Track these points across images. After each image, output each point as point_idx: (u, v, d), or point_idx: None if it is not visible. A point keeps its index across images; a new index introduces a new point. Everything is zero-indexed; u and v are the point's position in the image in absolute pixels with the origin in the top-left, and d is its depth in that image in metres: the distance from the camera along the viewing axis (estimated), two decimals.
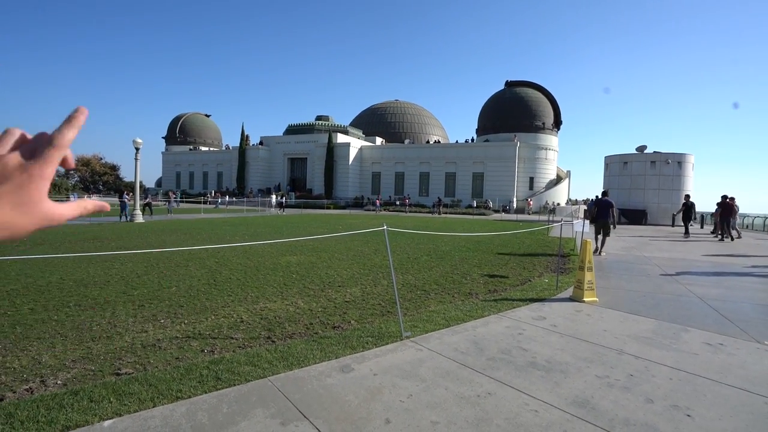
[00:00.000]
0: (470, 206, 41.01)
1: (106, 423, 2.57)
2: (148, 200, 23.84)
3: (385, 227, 4.57)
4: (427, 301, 5.72)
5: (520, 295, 6.16)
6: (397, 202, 42.28)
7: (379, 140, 55.08)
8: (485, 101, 49.90)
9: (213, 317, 4.75)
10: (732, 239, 16.22)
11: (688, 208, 17.95)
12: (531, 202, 38.98)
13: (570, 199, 36.65)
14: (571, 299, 5.90)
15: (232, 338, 4.09)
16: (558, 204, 40.06)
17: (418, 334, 4.32)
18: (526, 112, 45.02)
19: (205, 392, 2.96)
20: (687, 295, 6.35)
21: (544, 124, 45.32)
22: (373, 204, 40.29)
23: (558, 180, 46.07)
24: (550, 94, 47.26)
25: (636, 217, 25.88)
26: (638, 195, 26.63)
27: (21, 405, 2.75)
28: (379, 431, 2.52)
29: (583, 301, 5.73)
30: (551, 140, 45.96)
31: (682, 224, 18.30)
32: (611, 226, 10.99)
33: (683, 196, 19.86)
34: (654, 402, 2.99)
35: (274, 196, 37.68)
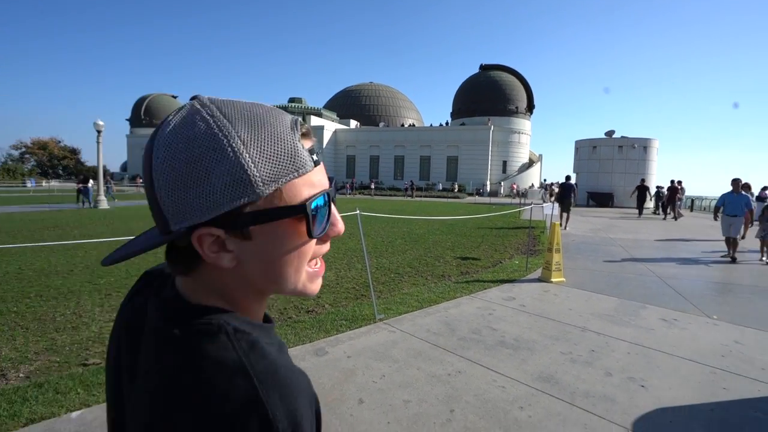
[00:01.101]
0: (445, 189, 41.44)
1: (74, 414, 2.53)
2: (80, 187, 20.34)
3: (358, 212, 4.59)
4: (400, 283, 5.81)
5: (492, 276, 6.34)
6: (372, 186, 42.31)
7: (353, 123, 54.53)
8: (460, 84, 50.01)
9: None
10: (675, 218, 17.95)
11: (642, 191, 19.54)
12: (515, 186, 39.12)
13: (543, 183, 37.48)
14: (539, 280, 6.12)
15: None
16: (532, 186, 40.93)
17: (391, 317, 4.40)
18: (500, 96, 45.42)
19: None
20: (647, 275, 6.69)
21: (517, 108, 45.87)
22: (349, 187, 40.28)
23: (530, 163, 46.98)
24: (524, 78, 47.75)
25: (603, 199, 26.81)
26: (606, 178, 27.52)
27: None
28: (353, 411, 2.60)
29: (551, 282, 5.95)
30: (524, 124, 46.66)
31: (638, 206, 19.86)
32: (571, 205, 13.37)
33: (639, 180, 21.03)
34: (612, 375, 3.18)
35: None
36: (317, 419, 0.50)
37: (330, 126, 49.24)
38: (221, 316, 0.47)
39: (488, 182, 43.23)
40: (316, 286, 0.53)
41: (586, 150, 28.94)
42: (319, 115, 51.08)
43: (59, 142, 67.63)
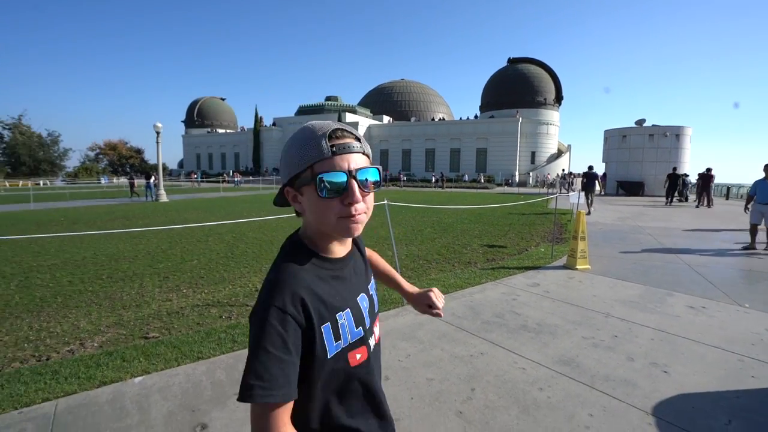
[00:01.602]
0: (474, 180, 40.68)
1: (137, 379, 2.72)
2: (132, 181, 22.65)
3: (386, 202, 4.60)
4: (428, 270, 5.80)
5: (517, 263, 6.20)
6: (405, 178, 42.19)
7: (386, 119, 54.33)
8: (488, 78, 48.61)
9: (230, 287, 4.90)
10: (709, 206, 16.84)
11: (673, 180, 18.60)
12: (549, 176, 37.77)
13: (561, 173, 35.93)
14: (564, 267, 5.93)
15: (247, 305, 4.23)
16: (548, 176, 39.44)
17: None
18: (528, 88, 43.82)
19: (223, 353, 3.10)
20: (676, 263, 6.33)
21: (545, 99, 44.13)
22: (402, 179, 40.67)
23: (559, 154, 45.22)
24: (552, 70, 45.79)
25: (634, 188, 25.47)
26: (636, 167, 26.10)
27: (64, 363, 2.92)
28: None
29: (576, 269, 5.75)
30: (552, 115, 44.87)
31: (668, 194, 18.87)
32: (594, 191, 14.21)
33: (671, 169, 19.88)
34: (634, 360, 3.05)
35: None
36: (305, 308, 0.73)
37: (364, 122, 49.33)
38: (293, 239, 0.83)
39: (517, 173, 42.03)
40: (344, 230, 0.78)
41: (615, 139, 27.50)
42: (353, 111, 51.25)
43: (126, 143, 71.54)
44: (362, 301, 0.87)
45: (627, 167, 26.50)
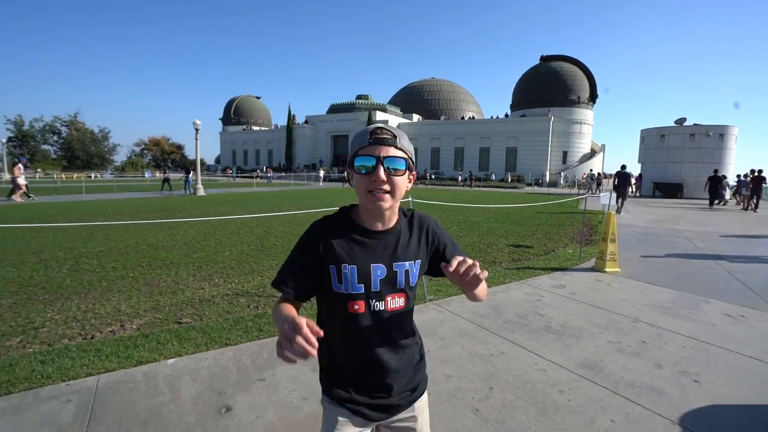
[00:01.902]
0: (503, 180, 39.85)
1: (170, 361, 2.85)
2: (166, 175, 24.01)
3: (410, 200, 4.59)
4: None
5: (543, 264, 6.04)
6: (432, 176, 41.89)
7: (416, 117, 54.05)
8: (520, 77, 47.36)
9: (259, 278, 5.04)
10: (755, 210, 15.80)
11: (714, 182, 17.60)
12: (585, 175, 36.33)
13: (589, 173, 34.37)
14: (592, 269, 5.72)
15: (274, 296, 4.34)
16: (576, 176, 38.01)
17: (440, 298, 4.38)
18: (561, 87, 42.37)
19: (249, 340, 3.20)
20: (713, 268, 5.98)
21: (579, 98, 42.54)
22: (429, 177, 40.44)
23: (592, 154, 43.56)
24: (586, 67, 44.05)
25: (671, 190, 24.22)
26: (675, 168, 24.80)
27: (107, 343, 3.10)
28: None
29: (605, 272, 5.54)
30: (586, 114, 43.22)
31: (711, 197, 17.88)
32: (628, 192, 13.96)
33: (712, 170, 18.74)
34: (663, 367, 2.91)
35: (322, 171, 38.33)
36: (324, 251, 1.01)
37: (394, 120, 49.27)
38: (342, 208, 1.10)
39: (547, 173, 40.84)
40: (370, 203, 0.98)
41: (653, 139, 26.21)
42: (383, 110, 51.28)
43: (169, 139, 74.79)
44: (377, 269, 1.02)
45: (665, 168, 25.22)
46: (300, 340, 0.73)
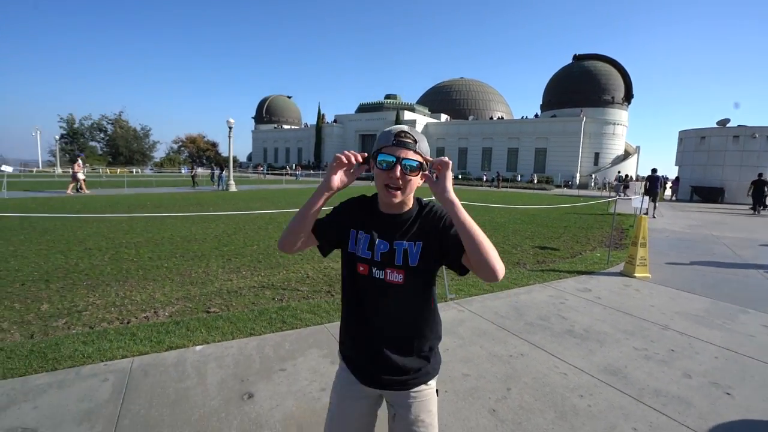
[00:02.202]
0: (531, 181, 38.90)
1: (198, 348, 2.97)
2: (194, 172, 25.07)
3: (433, 198, 4.56)
4: None
5: (569, 267, 5.87)
6: (459, 176, 41.40)
7: (444, 117, 53.57)
8: (551, 76, 45.99)
9: (284, 272, 5.15)
10: None
11: (758, 186, 16.61)
12: (621, 175, 34.59)
13: (617, 175, 32.70)
14: (621, 274, 5.51)
15: (298, 290, 4.43)
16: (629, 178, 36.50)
17: (462, 297, 4.34)
18: (595, 86, 40.81)
19: (273, 332, 3.29)
20: (754, 277, 5.63)
21: (613, 98, 40.85)
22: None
23: (626, 155, 41.78)
24: (622, 66, 42.21)
25: (711, 194, 22.89)
26: (715, 172, 23.43)
27: (141, 328, 3.26)
28: None
29: (634, 277, 5.32)
30: (620, 115, 41.46)
31: (752, 202, 16.85)
32: (658, 195, 14.12)
33: (757, 174, 17.59)
34: (692, 378, 2.78)
35: None
36: (348, 217, 1.24)
37: (421, 120, 49.05)
38: (366, 195, 1.28)
39: (578, 174, 39.55)
40: (386, 198, 1.14)
41: (692, 141, 24.86)
42: (411, 110, 51.12)
43: (204, 137, 77.30)
44: (380, 243, 1.18)
45: (704, 171, 23.89)
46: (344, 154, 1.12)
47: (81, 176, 16.43)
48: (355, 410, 1.28)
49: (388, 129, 1.13)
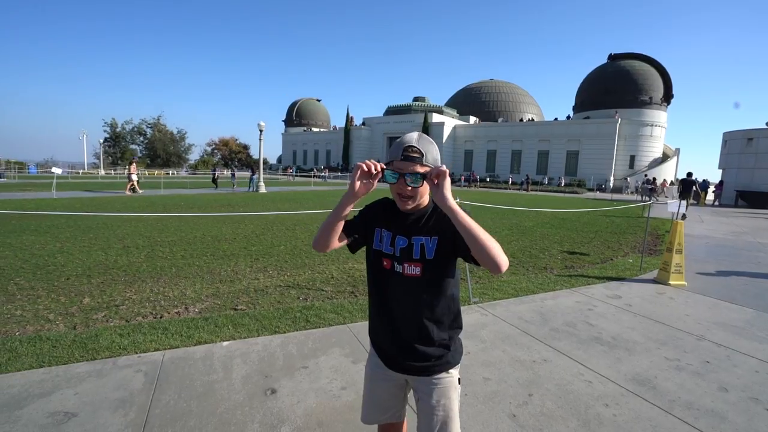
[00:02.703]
0: (560, 184, 37.79)
1: (225, 343, 3.09)
2: (215, 174, 25.20)
3: (457, 200, 4.53)
4: None
5: (598, 272, 5.68)
6: (488, 179, 40.77)
7: (472, 119, 52.93)
8: (585, 77, 44.57)
9: (309, 272, 5.25)
10: None
11: None
12: (666, 183, 32.66)
13: (655, 178, 30.95)
14: (654, 281, 5.28)
15: (322, 290, 4.51)
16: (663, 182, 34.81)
17: (485, 301, 4.29)
18: (631, 87, 39.19)
19: (297, 330, 3.37)
20: None
21: (651, 98, 39.09)
22: (467, 180, 39.64)
23: (664, 158, 39.88)
24: (661, 65, 40.32)
25: (759, 200, 21.53)
26: (764, 175, 22.05)
27: (172, 323, 3.42)
28: None
29: (669, 284, 5.09)
30: (659, 116, 39.61)
31: None
32: (691, 198, 14.40)
33: None
34: (728, 392, 2.64)
35: None
36: (374, 217, 1.36)
37: (450, 122, 48.66)
38: (388, 198, 1.37)
39: (612, 178, 38.09)
40: (399, 205, 1.27)
41: (738, 143, 23.48)
42: (440, 112, 50.82)
43: (236, 140, 79.86)
44: (400, 239, 1.28)
45: (752, 175, 22.52)
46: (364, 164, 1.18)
47: (135, 177, 18.00)
48: (384, 391, 1.42)
49: (400, 140, 1.22)
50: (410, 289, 1.28)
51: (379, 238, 1.32)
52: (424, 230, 1.27)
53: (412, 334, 1.30)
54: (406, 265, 1.26)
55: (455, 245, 1.22)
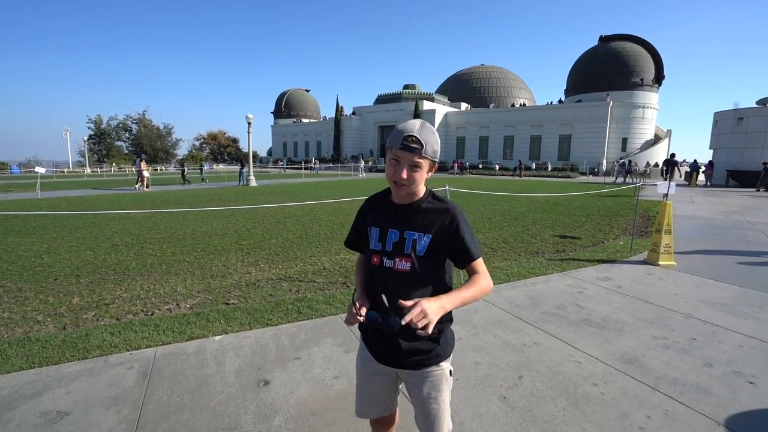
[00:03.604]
0: (556, 169, 37.98)
1: (217, 338, 3.11)
2: (184, 169, 24.43)
3: (447, 187, 4.57)
4: (492, 258, 5.65)
5: (589, 255, 5.77)
6: (480, 166, 40.81)
7: (464, 105, 52.73)
8: (576, 60, 44.51)
9: (301, 264, 5.28)
10: None
11: None
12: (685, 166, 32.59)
13: (618, 161, 31.30)
14: (644, 262, 5.38)
15: (314, 282, 4.54)
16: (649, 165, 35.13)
17: None
18: (622, 68, 39.23)
19: (289, 322, 3.40)
20: None
21: (642, 80, 39.21)
22: (460, 168, 39.66)
23: (656, 140, 40.19)
24: (652, 46, 40.36)
25: (749, 179, 21.81)
26: (754, 155, 22.29)
27: (164, 319, 3.43)
28: None
29: (658, 265, 5.19)
30: (650, 97, 39.80)
31: None
32: (673, 178, 15.22)
33: None
34: (713, 366, 2.72)
35: (362, 162, 38.25)
36: (365, 219, 1.40)
37: (441, 110, 48.45)
38: (378, 192, 1.42)
39: (604, 161, 38.35)
40: (394, 191, 1.27)
41: (728, 123, 23.70)
42: (431, 99, 50.53)
43: (225, 133, 78.93)
44: (392, 233, 1.29)
45: (742, 155, 22.80)
46: (347, 314, 1.25)
47: (146, 174, 18.62)
48: (376, 385, 1.44)
49: (400, 127, 1.22)
50: (399, 284, 1.26)
51: (370, 236, 1.34)
52: (418, 225, 1.26)
53: (401, 329, 1.28)
54: (396, 260, 1.26)
55: (452, 254, 1.28)
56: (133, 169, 19.94)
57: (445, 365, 1.36)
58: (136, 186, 18.41)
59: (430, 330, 1.08)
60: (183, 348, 2.95)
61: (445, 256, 1.29)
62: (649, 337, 3.15)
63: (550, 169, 37.20)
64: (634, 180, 23.87)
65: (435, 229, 1.24)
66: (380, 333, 1.31)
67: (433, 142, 1.20)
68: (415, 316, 1.07)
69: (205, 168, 23.51)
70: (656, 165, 34.79)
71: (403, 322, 1.08)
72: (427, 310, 1.08)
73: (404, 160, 1.19)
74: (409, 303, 1.10)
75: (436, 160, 1.24)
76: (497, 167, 39.21)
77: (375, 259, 1.31)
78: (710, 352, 2.92)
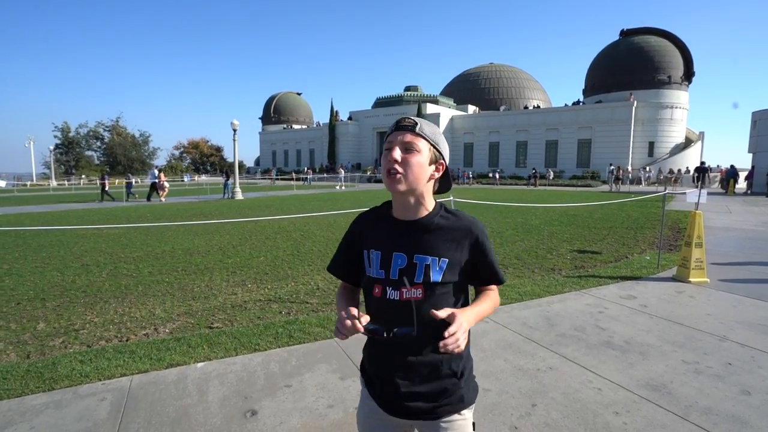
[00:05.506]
0: (574, 177, 38.18)
1: (199, 365, 3.15)
2: (105, 182, 21.06)
3: (451, 198, 4.65)
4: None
5: (611, 272, 5.81)
6: (490, 175, 41.01)
7: (471, 108, 53.36)
8: (595, 57, 45.18)
9: (293, 284, 5.32)
10: None
11: None
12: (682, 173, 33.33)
13: (620, 167, 31.75)
14: (673, 279, 5.42)
15: (307, 303, 4.58)
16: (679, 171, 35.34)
17: None
18: (647, 65, 39.78)
19: (279, 346, 3.44)
20: None
21: (670, 77, 39.70)
22: (468, 177, 39.89)
23: (687, 143, 40.47)
24: (680, 40, 40.98)
25: None
26: None
27: (140, 345, 3.47)
28: None
29: (689, 282, 5.23)
30: (679, 96, 40.20)
31: None
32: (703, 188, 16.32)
33: None
34: (751, 395, 2.74)
35: (342, 172, 37.37)
36: (360, 237, 1.27)
37: (446, 113, 48.96)
38: (388, 200, 1.29)
39: (629, 167, 38.55)
40: (389, 186, 1.14)
41: None
42: (434, 102, 51.13)
43: (207, 141, 79.60)
44: (398, 257, 1.17)
45: None
46: (338, 324, 1.10)
47: (166, 185, 20.28)
48: None
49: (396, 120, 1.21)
50: (408, 320, 1.11)
51: (368, 261, 1.21)
52: (430, 247, 1.15)
53: (414, 369, 1.18)
54: (404, 290, 1.14)
55: (474, 272, 1.22)
56: (148, 181, 21.75)
57: (468, 414, 1.24)
58: (162, 198, 20.31)
59: (463, 347, 1.01)
60: (161, 376, 2.98)
61: (466, 282, 1.22)
62: (678, 362, 3.18)
63: (551, 177, 37.25)
64: (620, 187, 24.42)
65: (453, 252, 1.16)
66: (389, 375, 1.20)
67: (434, 130, 1.16)
68: (462, 331, 1.01)
69: (206, 179, 24.47)
70: (687, 171, 35.03)
71: (447, 335, 0.99)
72: (465, 325, 1.03)
73: (397, 141, 1.13)
74: (442, 314, 1.04)
75: (440, 151, 1.17)
76: (497, 176, 39.12)
77: (376, 290, 1.18)
78: (748, 379, 2.94)
